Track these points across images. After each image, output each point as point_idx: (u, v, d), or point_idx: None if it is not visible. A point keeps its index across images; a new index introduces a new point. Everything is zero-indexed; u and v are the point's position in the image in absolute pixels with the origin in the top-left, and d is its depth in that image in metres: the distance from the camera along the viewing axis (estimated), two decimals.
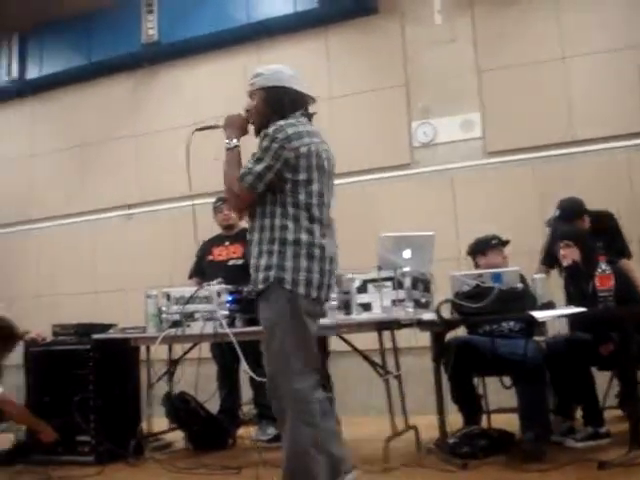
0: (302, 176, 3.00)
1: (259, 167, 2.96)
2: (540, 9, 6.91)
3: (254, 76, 3.20)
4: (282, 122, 3.02)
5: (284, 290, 2.94)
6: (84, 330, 5.09)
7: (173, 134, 7.87)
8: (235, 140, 3.14)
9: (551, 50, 6.80)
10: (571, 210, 4.94)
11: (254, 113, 3.18)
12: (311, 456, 2.92)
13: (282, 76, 3.16)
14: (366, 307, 4.31)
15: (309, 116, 3.21)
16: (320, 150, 3.08)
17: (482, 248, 4.87)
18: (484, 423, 4.78)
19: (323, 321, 4.26)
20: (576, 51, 6.73)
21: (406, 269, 4.26)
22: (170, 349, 5.24)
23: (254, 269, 3.03)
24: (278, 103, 3.11)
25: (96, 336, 4.97)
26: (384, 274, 4.27)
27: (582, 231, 4.77)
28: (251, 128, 3.22)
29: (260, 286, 2.99)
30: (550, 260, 5.10)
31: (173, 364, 5.17)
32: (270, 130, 3.00)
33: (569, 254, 4.42)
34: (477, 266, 4.87)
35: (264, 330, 3.03)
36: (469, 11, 7.15)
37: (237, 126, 3.19)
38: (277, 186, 2.99)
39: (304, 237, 2.97)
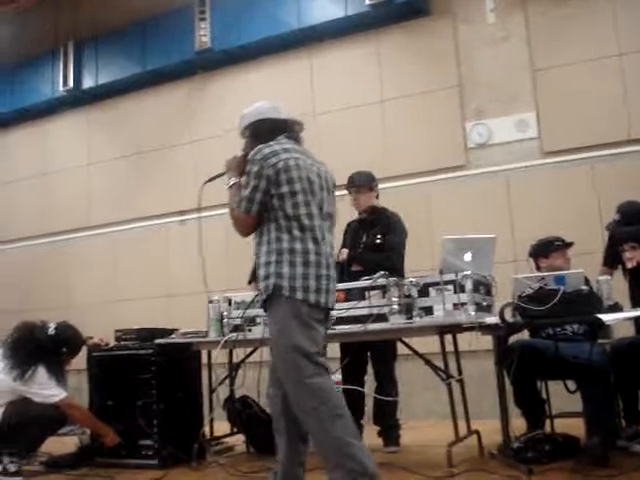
0: (285, 189, 3.20)
1: (247, 191, 3.21)
2: (595, 6, 6.83)
3: (240, 119, 3.51)
4: (261, 145, 3.27)
5: (283, 297, 3.11)
6: (146, 335, 5.16)
7: (227, 140, 7.96)
8: (233, 179, 3.40)
9: (607, 48, 6.72)
10: (631, 214, 4.84)
11: (247, 149, 3.41)
12: (353, 444, 3.03)
13: (261, 110, 3.47)
14: (427, 311, 4.28)
15: (297, 137, 3.45)
16: (301, 163, 3.26)
17: (545, 250, 4.80)
18: (548, 428, 4.71)
19: (384, 325, 4.29)
20: (632, 48, 6.64)
21: (467, 272, 4.22)
22: (231, 353, 5.28)
23: (259, 281, 3.22)
24: (260, 133, 3.38)
25: (158, 341, 5.03)
26: (446, 277, 4.24)
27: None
28: None
29: (263, 296, 3.18)
30: (612, 262, 5.02)
31: (234, 368, 5.20)
32: (250, 155, 3.27)
33: (635, 256, 4.35)
34: (538, 268, 4.80)
35: (272, 339, 3.21)
36: (522, 9, 7.10)
37: (236, 167, 3.43)
38: (267, 204, 3.20)
39: (298, 246, 3.17)
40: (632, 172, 6.30)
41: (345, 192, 5.21)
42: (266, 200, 3.20)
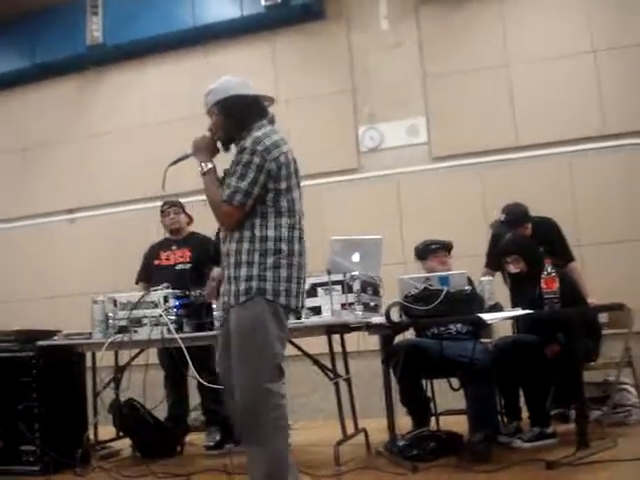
0: (283, 185, 3.01)
1: (245, 184, 2.95)
2: (485, 15, 7.05)
3: (206, 95, 3.19)
4: (258, 133, 3.01)
5: (265, 300, 2.93)
6: (27, 337, 4.98)
7: (118, 137, 7.80)
8: (209, 164, 3.12)
9: (496, 56, 6.94)
10: (515, 216, 5.04)
11: (217, 129, 3.18)
12: (286, 461, 2.95)
13: (230, 85, 3.17)
14: (316, 311, 4.31)
15: (273, 119, 3.20)
16: (293, 156, 3.11)
17: (423, 253, 4.94)
18: (433, 425, 4.82)
19: None
20: (520, 57, 6.88)
21: (355, 273, 4.27)
22: (117, 355, 5.16)
23: (232, 280, 2.99)
24: (233, 111, 3.11)
25: (41, 342, 4.86)
26: (334, 278, 4.28)
27: (525, 241, 4.84)
28: (219, 145, 3.21)
29: (242, 298, 2.95)
30: (494, 263, 5.19)
31: (120, 371, 5.09)
32: (248, 143, 2.99)
33: (515, 266, 4.52)
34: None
35: (237, 336, 2.95)
36: (415, 16, 7.24)
37: (205, 148, 3.17)
38: (259, 197, 2.99)
39: (284, 247, 2.99)
40: (517, 178, 6.53)
41: None
42: (261, 194, 2.98)
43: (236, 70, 7.37)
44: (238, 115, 3.10)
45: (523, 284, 4.51)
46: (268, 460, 2.91)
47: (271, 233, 2.98)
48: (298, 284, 3.02)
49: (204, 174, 3.12)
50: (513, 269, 4.57)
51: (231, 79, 3.20)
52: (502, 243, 4.79)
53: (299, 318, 3.27)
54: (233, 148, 3.14)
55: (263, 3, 7.27)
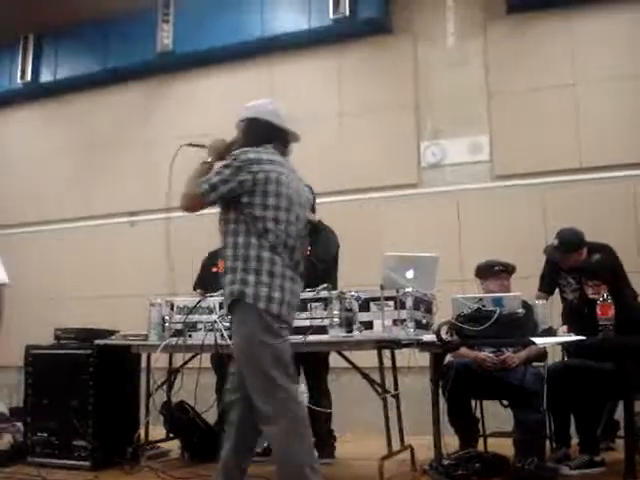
0: (258, 200, 3.17)
1: (216, 179, 3.17)
2: (553, 35, 6.98)
3: (242, 109, 3.45)
4: (249, 148, 3.24)
5: (246, 304, 3.08)
6: (86, 335, 5.13)
7: (180, 144, 7.94)
8: (210, 159, 3.37)
9: (562, 76, 6.86)
10: (570, 242, 4.94)
11: (236, 141, 3.42)
12: (305, 474, 2.98)
13: (262, 109, 3.40)
14: (367, 325, 4.33)
15: (284, 150, 3.40)
16: (281, 178, 3.23)
17: (484, 273, 4.89)
18: (480, 446, 4.78)
19: (323, 337, 4.32)
20: (587, 78, 6.78)
21: (408, 289, 4.28)
22: (171, 358, 5.26)
23: (224, 286, 3.20)
24: (252, 133, 3.35)
25: (98, 341, 5.00)
26: (387, 293, 4.29)
27: (608, 268, 4.76)
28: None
29: (227, 301, 3.16)
30: (549, 286, 5.13)
31: (173, 373, 5.19)
32: (236, 152, 3.23)
33: (598, 291, 4.39)
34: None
35: (236, 348, 3.18)
36: (482, 34, 7.20)
37: (218, 150, 3.41)
38: (237, 205, 3.18)
39: (266, 254, 3.14)
40: (581, 200, 6.44)
41: None
42: (229, 200, 3.18)
43: (301, 82, 7.65)
44: (255, 137, 3.33)
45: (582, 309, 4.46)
46: (284, 470, 3.07)
47: (254, 240, 3.14)
48: (281, 292, 3.13)
49: (202, 163, 3.35)
50: (592, 294, 4.45)
51: (267, 104, 3.44)
52: (588, 264, 4.72)
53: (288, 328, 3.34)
54: None
55: (331, 16, 7.34)
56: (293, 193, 3.29)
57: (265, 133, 3.34)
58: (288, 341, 3.23)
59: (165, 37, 8.05)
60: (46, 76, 8.79)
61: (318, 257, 5.08)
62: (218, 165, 3.28)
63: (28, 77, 8.76)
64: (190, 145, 3.58)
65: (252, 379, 3.10)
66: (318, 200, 5.77)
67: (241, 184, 3.15)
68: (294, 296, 3.23)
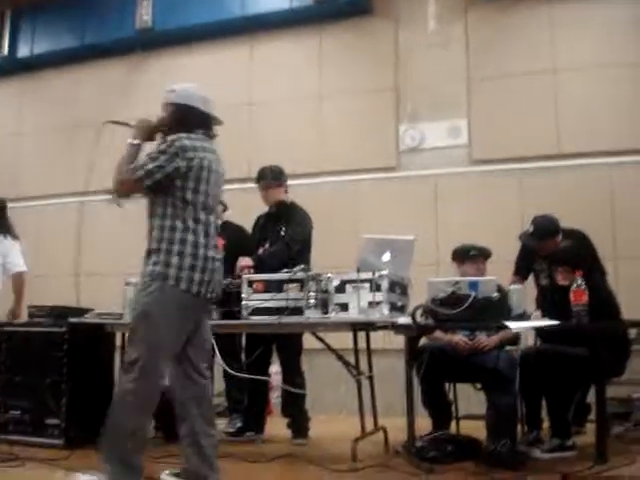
0: (191, 184, 3.27)
1: (151, 165, 3.24)
2: (533, 21, 6.98)
3: (168, 91, 3.51)
4: (183, 134, 3.32)
5: (167, 285, 3.19)
6: (60, 313, 5.09)
7: None
8: (138, 140, 3.42)
9: (542, 62, 6.88)
10: (544, 229, 4.94)
11: (162, 124, 3.47)
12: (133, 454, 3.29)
13: (192, 96, 3.48)
14: (343, 307, 4.34)
15: (210, 136, 3.50)
16: (211, 165, 3.37)
17: (460, 257, 4.91)
18: (453, 428, 4.82)
19: (299, 318, 4.33)
20: (567, 64, 6.81)
21: (384, 272, 4.29)
22: None
23: (144, 263, 3.28)
24: (183, 119, 3.42)
25: (72, 320, 4.97)
26: (363, 276, 4.30)
27: (581, 251, 4.78)
28: (158, 137, 3.48)
29: (145, 279, 3.24)
30: (524, 272, 5.16)
31: None
32: (169, 137, 3.31)
33: (564, 277, 4.41)
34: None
35: (136, 316, 3.26)
36: (463, 18, 7.20)
37: (144, 129, 3.46)
38: (168, 189, 3.26)
39: (190, 237, 3.26)
40: (558, 186, 6.48)
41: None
42: (163, 183, 3.25)
43: (281, 62, 7.60)
44: (186, 123, 3.40)
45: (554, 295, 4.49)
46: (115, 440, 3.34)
47: (179, 223, 3.25)
48: (202, 273, 3.25)
49: (130, 145, 3.39)
50: (561, 280, 4.48)
51: (195, 91, 3.51)
52: (556, 251, 4.75)
53: (208, 305, 3.49)
54: None
55: None
56: (219, 178, 3.44)
57: (195, 119, 3.43)
58: (205, 320, 3.45)
59: (144, 14, 7.97)
60: (23, 51, 8.67)
61: (293, 238, 5.10)
62: (151, 149, 3.33)
63: (5, 52, 8.64)
64: (114, 122, 3.63)
65: (139, 346, 3.21)
66: (295, 181, 5.79)
67: (177, 170, 3.24)
68: (215, 272, 3.35)
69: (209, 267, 3.29)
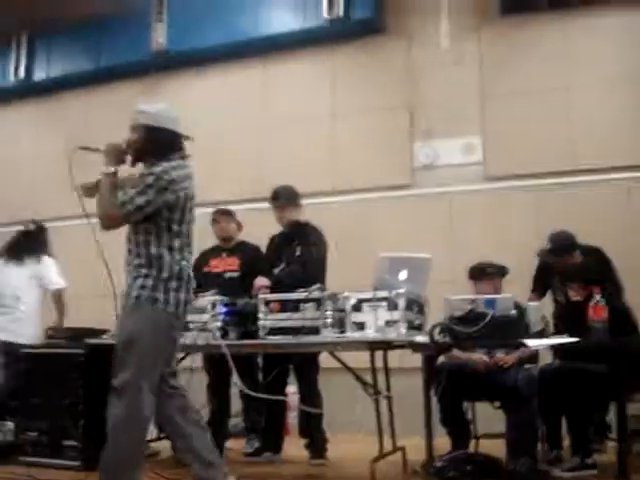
0: (177, 216, 3.33)
1: (140, 200, 3.25)
2: (546, 37, 6.99)
3: (138, 112, 3.48)
4: (167, 165, 3.31)
5: (155, 308, 3.26)
6: (77, 334, 5.10)
7: None
8: (111, 168, 3.41)
9: (555, 78, 6.87)
10: (562, 245, 4.92)
11: (133, 146, 3.46)
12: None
13: (162, 118, 3.46)
14: (360, 326, 4.32)
15: (184, 157, 3.48)
16: (194, 192, 3.42)
17: (477, 275, 4.89)
18: (472, 447, 4.78)
19: (316, 338, 4.32)
20: (580, 79, 6.80)
21: (401, 290, 4.27)
22: None
23: (130, 288, 3.34)
24: (155, 143, 3.41)
25: (89, 341, 4.98)
26: (379, 294, 4.28)
27: (589, 271, 4.76)
28: (128, 159, 3.49)
29: (131, 302, 3.29)
30: (541, 289, 5.13)
31: None
32: (157, 170, 3.29)
33: (577, 293, 4.41)
34: None
35: (126, 340, 3.28)
36: (476, 35, 7.21)
37: (114, 154, 3.45)
38: (154, 220, 3.30)
39: (175, 266, 3.31)
40: (574, 202, 6.44)
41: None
42: (154, 217, 3.29)
43: (294, 83, 7.63)
44: (160, 146, 3.39)
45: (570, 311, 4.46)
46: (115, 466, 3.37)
47: (165, 251, 3.30)
48: (186, 294, 3.35)
49: (107, 175, 3.39)
50: (574, 296, 4.46)
51: (166, 111, 3.50)
52: (569, 268, 4.72)
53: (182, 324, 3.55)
54: (139, 166, 3.45)
55: (325, 16, 7.34)
56: (194, 200, 3.46)
57: (169, 142, 3.43)
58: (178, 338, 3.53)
59: (159, 36, 8.04)
60: (39, 74, 8.77)
61: (309, 258, 5.09)
62: (136, 180, 3.32)
63: (21, 75, 8.74)
64: (84, 149, 3.59)
65: (128, 368, 3.27)
66: (309, 200, 5.79)
67: (166, 203, 3.28)
68: (190, 294, 3.42)
69: (190, 288, 3.39)
